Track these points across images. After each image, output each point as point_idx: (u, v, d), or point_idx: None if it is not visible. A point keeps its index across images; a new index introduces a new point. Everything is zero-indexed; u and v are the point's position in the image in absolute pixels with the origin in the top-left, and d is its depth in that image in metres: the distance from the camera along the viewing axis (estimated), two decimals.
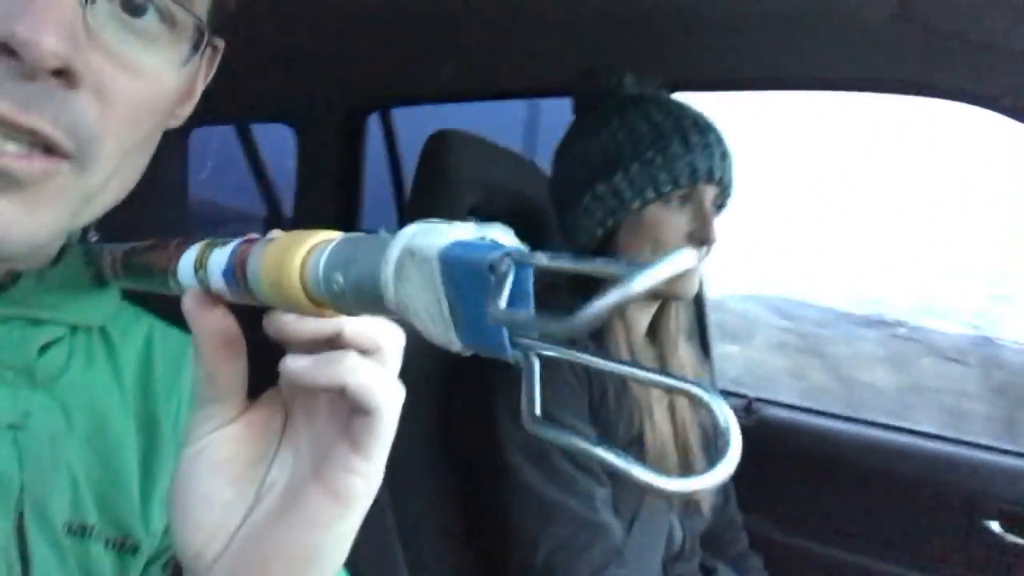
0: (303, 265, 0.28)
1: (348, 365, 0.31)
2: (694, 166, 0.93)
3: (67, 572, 0.40)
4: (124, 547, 0.44)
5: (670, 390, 0.23)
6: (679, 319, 1.05)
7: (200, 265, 0.33)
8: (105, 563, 0.43)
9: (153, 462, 0.47)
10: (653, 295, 0.99)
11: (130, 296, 0.50)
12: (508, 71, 1.32)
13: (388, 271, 0.25)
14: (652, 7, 1.00)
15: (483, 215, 1.19)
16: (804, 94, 1.14)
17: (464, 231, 0.24)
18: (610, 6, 1.02)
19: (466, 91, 1.42)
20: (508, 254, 0.22)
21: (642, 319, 1.02)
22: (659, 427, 0.97)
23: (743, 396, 1.43)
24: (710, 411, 0.21)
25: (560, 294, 0.98)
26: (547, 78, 1.29)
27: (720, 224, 0.98)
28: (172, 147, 1.86)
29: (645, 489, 0.19)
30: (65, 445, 0.42)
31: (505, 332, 0.23)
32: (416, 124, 1.45)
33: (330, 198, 1.57)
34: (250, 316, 0.33)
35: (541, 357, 0.23)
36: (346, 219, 1.56)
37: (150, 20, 0.38)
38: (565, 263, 0.22)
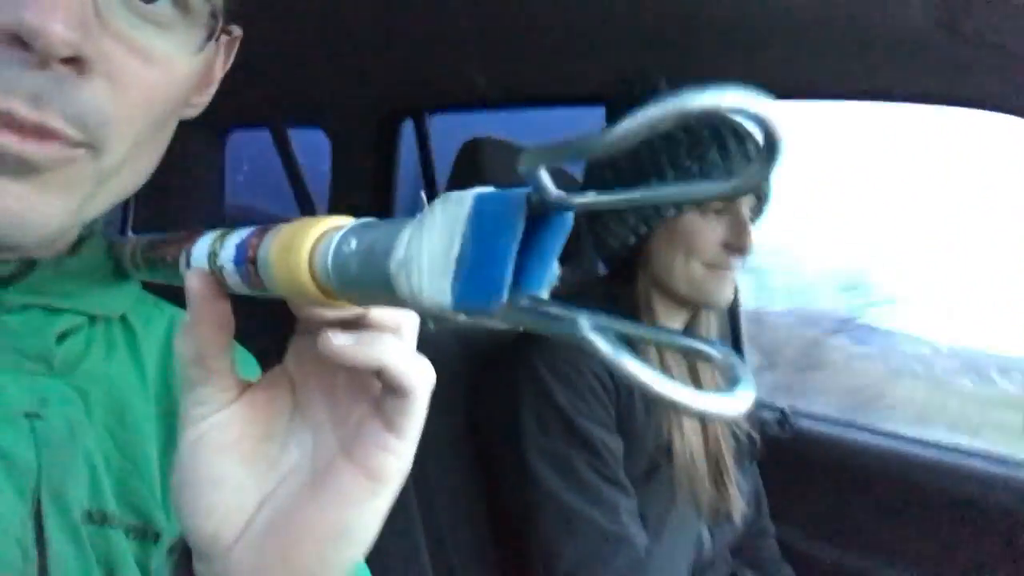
0: (316, 243, 0.28)
1: (386, 345, 0.31)
2: (730, 175, 0.92)
3: (85, 560, 0.40)
4: (145, 535, 0.43)
5: (686, 353, 0.22)
6: (711, 328, 1.04)
7: (213, 253, 0.33)
8: (126, 552, 0.42)
9: (174, 451, 0.47)
10: (684, 301, 0.98)
11: (152, 289, 0.50)
12: (543, 79, 1.32)
13: (409, 226, 0.24)
14: (690, 16, 1.00)
15: None
16: (857, 106, 1.12)
17: None
18: (646, 14, 1.01)
19: (501, 98, 1.42)
20: (548, 192, 0.22)
21: (673, 324, 1.01)
22: (688, 437, 0.96)
23: (778, 408, 1.41)
24: (727, 368, 0.20)
25: (588, 300, 0.98)
26: (582, 86, 1.29)
27: (756, 234, 0.97)
28: (209, 150, 1.90)
29: (664, 403, 0.18)
30: (84, 433, 0.42)
31: (507, 280, 0.22)
32: (452, 131, 1.45)
33: (364, 203, 1.58)
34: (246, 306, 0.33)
35: (542, 313, 0.22)
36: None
37: (163, 6, 0.38)
38: (612, 195, 0.22)
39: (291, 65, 1.40)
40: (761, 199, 0.98)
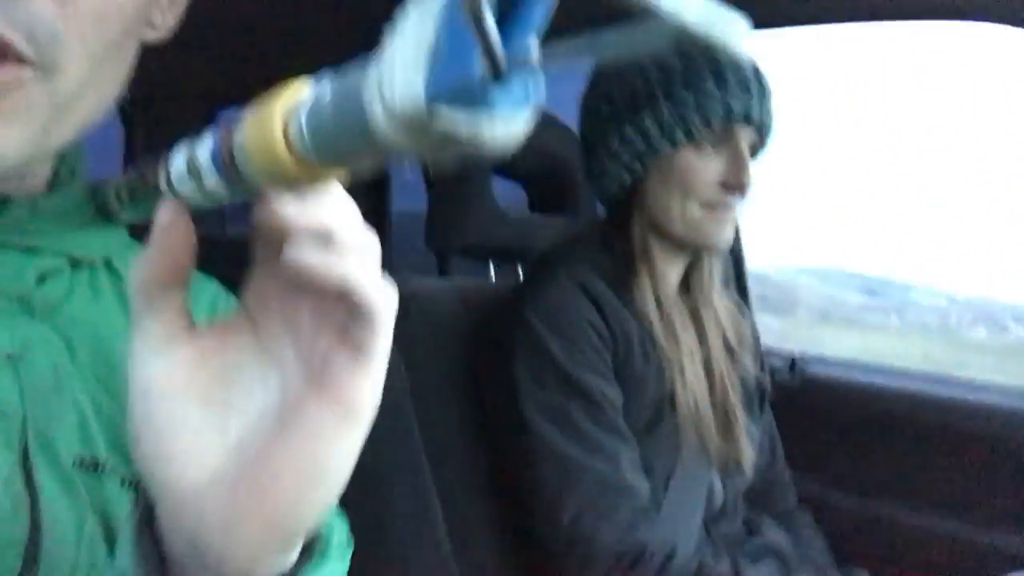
0: (288, 109, 0.26)
1: (353, 263, 0.28)
2: (729, 106, 0.88)
3: (79, 508, 0.38)
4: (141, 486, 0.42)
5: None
6: (713, 272, 1.00)
7: (192, 155, 0.30)
8: (123, 503, 0.40)
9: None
10: (682, 244, 0.95)
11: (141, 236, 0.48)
12: None
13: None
14: None
15: (508, 174, 1.16)
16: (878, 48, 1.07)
17: None
18: None
19: None
20: None
21: (672, 272, 0.98)
22: (692, 385, 0.92)
23: (787, 355, 1.38)
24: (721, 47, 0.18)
25: (584, 246, 0.95)
26: (579, 15, 1.25)
27: (757, 170, 0.93)
28: (199, 129, 1.87)
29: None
30: (69, 378, 0.40)
31: (478, 55, 0.20)
32: None
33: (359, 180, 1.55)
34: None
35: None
36: (376, 192, 1.55)
37: None
38: None
39: (283, 44, 1.38)
40: (762, 133, 0.94)
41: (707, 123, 0.88)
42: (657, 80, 0.90)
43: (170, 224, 0.30)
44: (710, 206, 0.91)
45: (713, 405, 0.95)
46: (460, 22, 0.20)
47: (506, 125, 0.21)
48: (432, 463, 0.90)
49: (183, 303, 0.31)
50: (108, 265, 0.46)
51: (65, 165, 0.45)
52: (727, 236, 0.94)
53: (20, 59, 0.34)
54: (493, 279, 1.20)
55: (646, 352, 0.92)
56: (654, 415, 0.92)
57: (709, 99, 0.87)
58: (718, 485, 0.97)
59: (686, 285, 0.99)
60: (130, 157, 1.68)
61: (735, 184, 0.90)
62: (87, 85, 0.38)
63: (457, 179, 1.05)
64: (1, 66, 0.33)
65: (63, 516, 0.38)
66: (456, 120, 0.20)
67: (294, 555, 0.32)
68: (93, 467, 0.40)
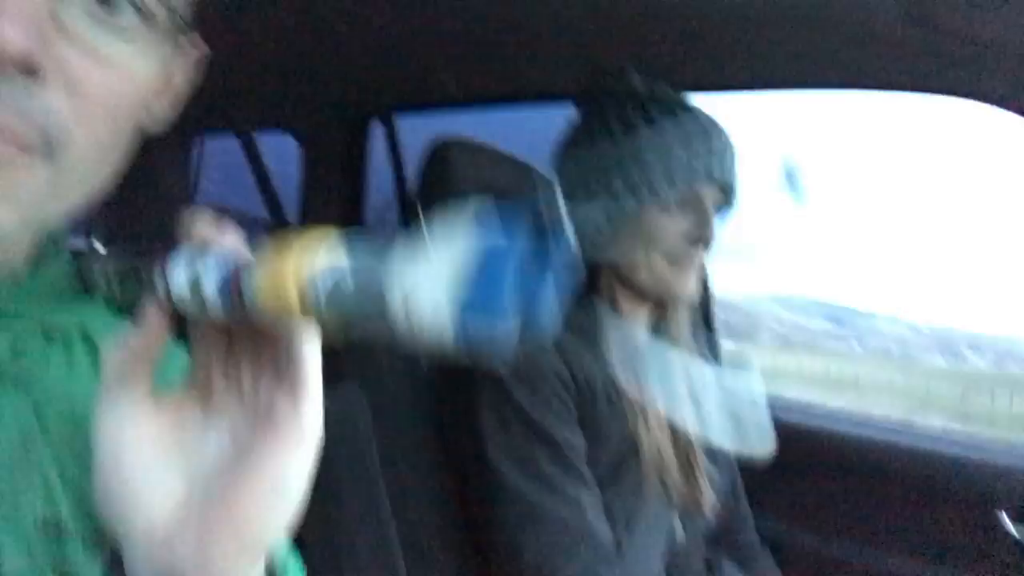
0: (305, 269, 0.28)
1: None
2: (692, 167, 0.92)
3: (40, 570, 0.40)
4: (103, 545, 0.42)
5: None
6: (681, 321, 1.04)
7: (196, 281, 0.33)
8: (84, 565, 0.42)
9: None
10: (647, 296, 0.99)
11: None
12: (512, 76, 1.32)
13: (409, 255, 0.24)
14: (659, 8, 1.00)
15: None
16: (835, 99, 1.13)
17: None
18: (615, 8, 1.02)
19: (469, 97, 1.42)
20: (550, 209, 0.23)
21: (639, 321, 1.02)
22: (655, 431, 0.96)
23: None
24: None
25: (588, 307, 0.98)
26: (552, 83, 1.29)
27: (722, 225, 0.98)
28: (176, 154, 1.88)
29: None
30: (37, 446, 0.42)
31: (510, 305, 0.22)
32: (423, 132, 1.45)
33: (334, 205, 1.58)
34: None
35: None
36: (351, 226, 1.57)
37: (125, 15, 0.38)
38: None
39: (258, 69, 1.39)
40: (726, 192, 0.99)
41: (671, 184, 0.92)
42: (625, 144, 0.94)
43: (154, 326, 0.34)
44: (674, 259, 0.96)
45: (675, 449, 0.98)
46: (490, 264, 0.22)
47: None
48: (394, 503, 0.92)
49: (150, 374, 0.35)
50: (85, 337, 0.47)
51: (49, 236, 0.46)
52: (691, 288, 0.98)
53: (26, 144, 0.35)
54: None
55: (610, 399, 0.95)
56: (618, 460, 0.95)
57: (675, 162, 0.92)
58: (679, 526, 1.01)
59: (655, 333, 1.03)
60: None
61: (699, 237, 0.95)
62: (89, 170, 0.39)
63: (432, 220, 1.07)
64: (5, 144, 0.35)
65: None
66: (474, 341, 0.23)
67: (260, 568, 0.35)
68: (56, 530, 0.41)
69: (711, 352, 1.33)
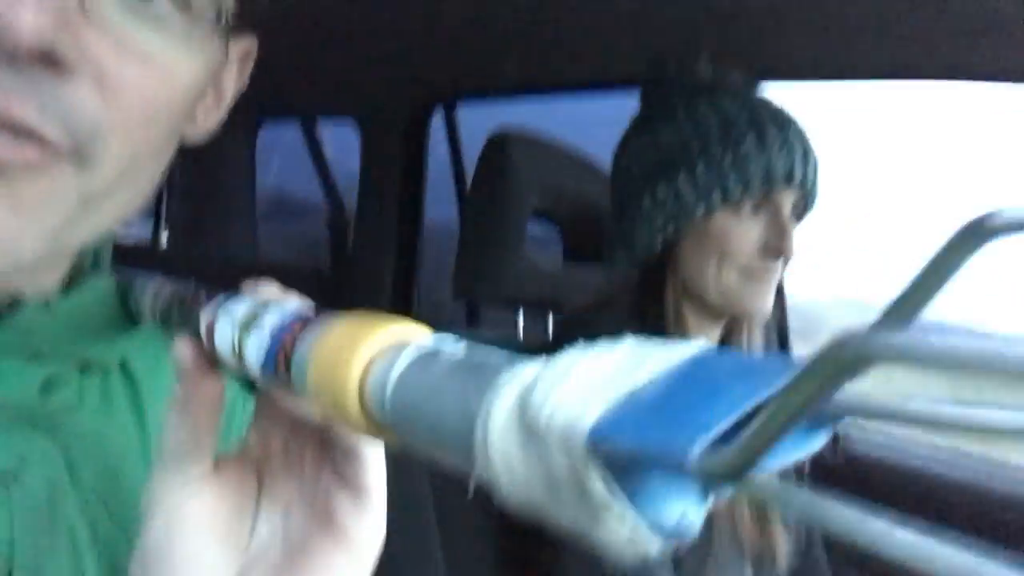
0: (365, 373, 0.22)
1: None
2: (770, 168, 0.84)
3: None
4: None
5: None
6: (752, 338, 0.95)
7: (238, 349, 0.28)
8: None
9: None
10: (717, 312, 0.91)
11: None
12: (574, 64, 1.26)
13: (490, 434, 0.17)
14: None
15: (545, 217, 1.14)
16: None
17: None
18: None
19: (532, 86, 1.36)
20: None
21: (708, 339, 0.93)
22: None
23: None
24: None
25: (614, 311, 0.91)
26: (616, 69, 1.22)
27: (799, 233, 0.89)
28: (240, 141, 1.88)
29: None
30: (65, 500, 0.37)
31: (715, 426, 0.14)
32: (485, 123, 1.41)
33: (393, 195, 1.54)
34: None
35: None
36: (409, 216, 1.54)
37: (161, 2, 0.33)
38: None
39: (320, 55, 1.37)
40: (806, 195, 0.90)
41: (746, 185, 0.84)
42: (693, 137, 0.86)
43: (195, 365, 0.30)
44: (748, 273, 0.87)
45: (753, 520, 0.90)
46: (695, 385, 0.15)
47: (656, 530, 0.15)
48: (443, 534, 0.86)
49: (214, 444, 0.31)
50: (123, 367, 0.42)
51: (87, 257, 0.41)
52: (766, 304, 0.89)
53: (51, 146, 0.30)
54: (521, 333, 1.17)
55: None
56: None
57: (748, 160, 0.83)
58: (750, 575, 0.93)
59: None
60: None
61: (776, 248, 0.86)
62: (122, 182, 0.34)
63: (489, 226, 1.03)
64: (32, 148, 0.30)
65: None
66: (609, 488, 0.15)
67: None
68: None
69: None
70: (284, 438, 0.33)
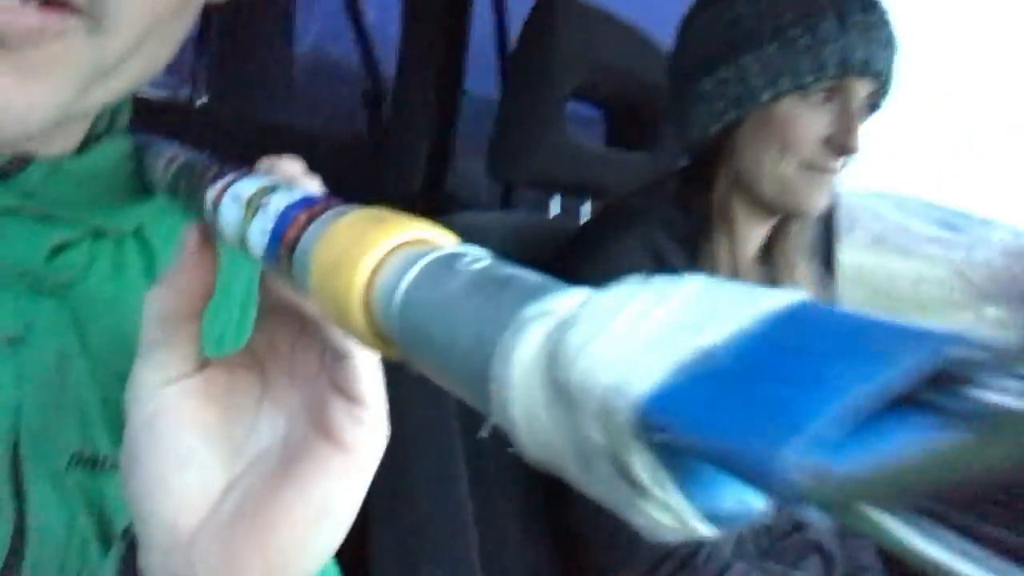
0: (373, 276, 0.19)
1: None
2: (847, 53, 0.76)
3: (71, 507, 0.36)
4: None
5: None
6: (800, 237, 0.90)
7: (241, 223, 0.26)
8: (120, 502, 0.37)
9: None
10: (769, 207, 0.85)
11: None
12: None
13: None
14: None
15: (589, 96, 1.07)
16: None
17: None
18: None
19: None
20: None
21: (753, 237, 0.88)
22: None
23: None
24: None
25: (656, 202, 0.85)
26: None
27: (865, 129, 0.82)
28: (278, 2, 1.81)
29: None
30: (75, 366, 0.37)
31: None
32: None
33: (433, 64, 1.47)
34: None
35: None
36: (448, 86, 1.47)
37: None
38: None
39: None
40: (881, 89, 0.82)
41: (820, 71, 0.76)
42: (766, 14, 0.78)
43: (196, 252, 0.29)
44: (808, 166, 0.81)
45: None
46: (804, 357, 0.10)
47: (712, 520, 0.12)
48: (471, 473, 0.84)
49: (198, 335, 0.30)
50: (138, 234, 0.41)
51: (102, 121, 0.39)
52: (822, 202, 0.83)
53: (69, 7, 0.28)
54: (552, 213, 1.12)
55: None
56: (781, 533, 0.85)
57: (826, 43, 0.75)
58: None
59: (768, 253, 0.90)
60: None
61: (841, 145, 0.79)
62: (139, 47, 0.32)
63: (528, 103, 0.96)
64: (37, 12, 0.27)
65: (52, 516, 0.35)
66: (655, 476, 0.11)
67: None
68: (91, 463, 0.37)
69: (827, 269, 1.19)
70: (291, 341, 0.31)
